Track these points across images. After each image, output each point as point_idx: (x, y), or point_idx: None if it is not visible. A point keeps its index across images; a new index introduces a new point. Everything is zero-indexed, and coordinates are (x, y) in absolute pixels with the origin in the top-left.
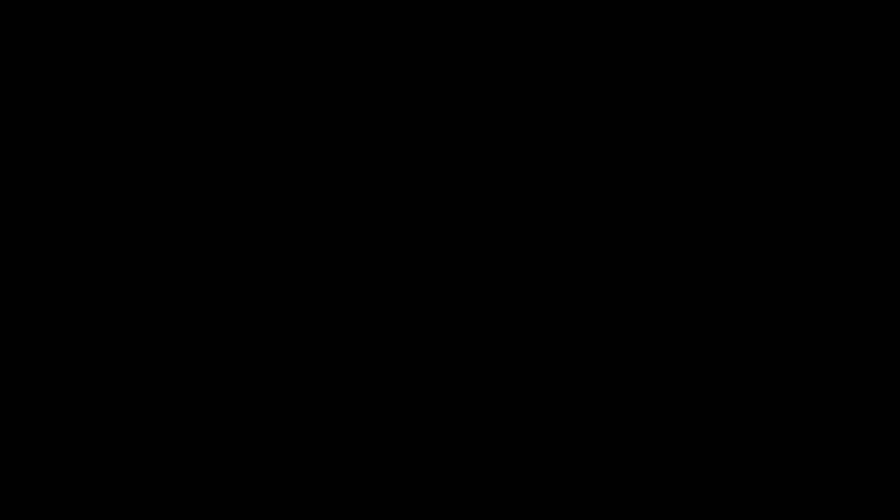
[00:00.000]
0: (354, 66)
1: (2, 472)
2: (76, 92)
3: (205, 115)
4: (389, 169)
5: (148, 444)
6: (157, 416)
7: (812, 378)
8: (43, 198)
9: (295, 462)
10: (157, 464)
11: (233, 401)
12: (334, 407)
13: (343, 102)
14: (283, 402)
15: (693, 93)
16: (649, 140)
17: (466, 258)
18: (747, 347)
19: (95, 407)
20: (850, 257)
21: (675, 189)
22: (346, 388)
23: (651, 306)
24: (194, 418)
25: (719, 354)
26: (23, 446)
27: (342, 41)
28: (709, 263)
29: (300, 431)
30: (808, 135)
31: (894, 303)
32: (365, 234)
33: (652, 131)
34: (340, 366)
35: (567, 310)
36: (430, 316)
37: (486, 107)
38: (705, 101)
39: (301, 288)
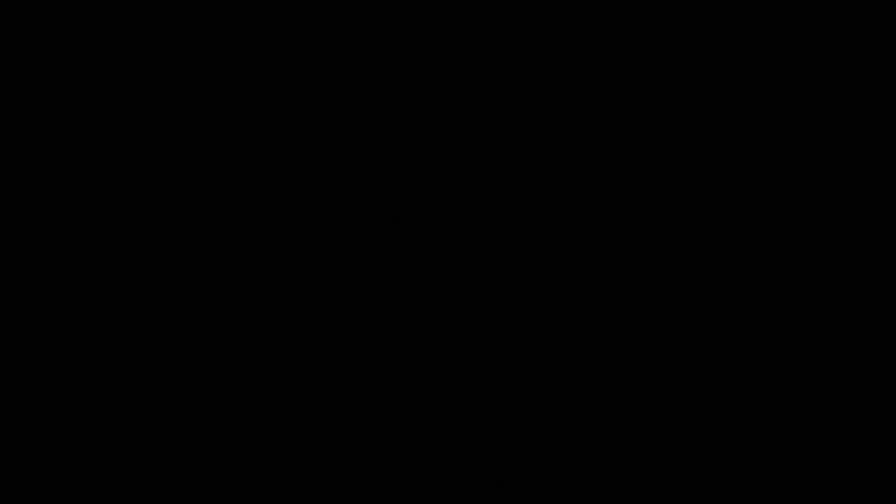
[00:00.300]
0: (354, 67)
1: (2, 472)
2: (76, 92)
3: (205, 115)
4: (389, 169)
5: (148, 444)
6: (158, 416)
7: (812, 378)
8: (43, 198)
9: (295, 462)
10: (157, 464)
11: (233, 401)
12: (334, 407)
13: (343, 102)
14: (283, 402)
15: (693, 93)
16: (649, 140)
17: (466, 258)
18: (747, 347)
19: (95, 407)
20: (851, 257)
21: (675, 189)
22: (347, 388)
23: (651, 306)
24: (194, 418)
25: (719, 354)
26: (23, 446)
27: (342, 41)
28: (709, 263)
29: (300, 431)
30: (808, 135)
31: (894, 303)
32: (365, 234)
33: (652, 131)
34: (340, 366)
35: (567, 310)
36: (430, 316)
37: (486, 107)
38: (705, 101)
39: (301, 288)
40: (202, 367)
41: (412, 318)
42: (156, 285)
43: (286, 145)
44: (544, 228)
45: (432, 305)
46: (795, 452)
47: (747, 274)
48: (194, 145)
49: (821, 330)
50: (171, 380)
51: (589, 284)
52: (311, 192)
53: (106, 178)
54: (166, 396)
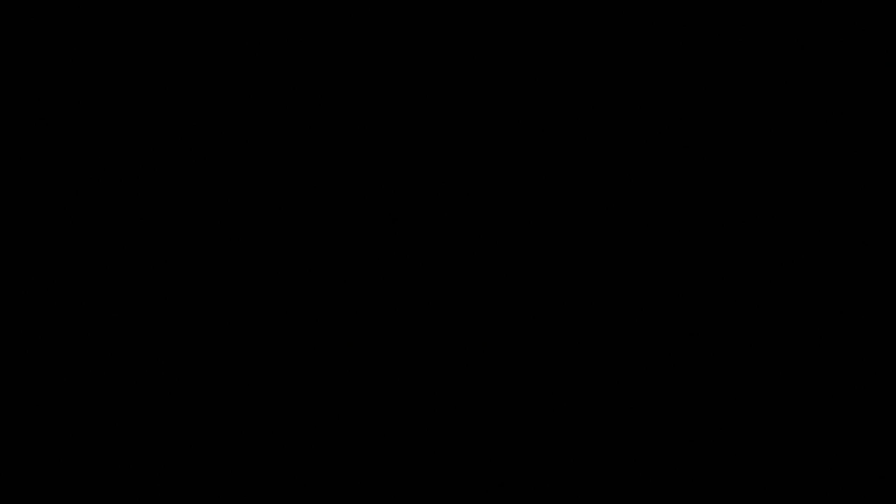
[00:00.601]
0: (354, 67)
1: (2, 472)
2: (76, 92)
3: (205, 115)
4: (389, 169)
5: (148, 444)
6: (158, 416)
7: (812, 378)
8: (43, 198)
9: (295, 462)
10: (158, 464)
11: (233, 401)
12: (334, 407)
13: (343, 102)
14: (283, 402)
15: (693, 93)
16: (649, 140)
17: (466, 258)
18: (747, 347)
19: (95, 407)
20: (851, 257)
21: (675, 189)
22: (347, 388)
23: (651, 306)
24: (194, 418)
25: (719, 354)
26: (23, 446)
27: (342, 41)
28: (709, 263)
29: (300, 431)
30: (808, 135)
31: (894, 303)
32: (365, 234)
33: (652, 131)
34: (340, 366)
35: (567, 310)
36: (430, 316)
37: (486, 107)
38: (705, 101)
39: (301, 288)
40: (202, 367)
41: (412, 318)
42: (156, 285)
43: (286, 145)
44: (544, 228)
45: (432, 305)
46: (795, 452)
47: (747, 274)
48: (194, 145)
49: (821, 330)
50: (171, 380)
51: (589, 284)
52: (312, 192)
53: (106, 178)
54: (166, 396)
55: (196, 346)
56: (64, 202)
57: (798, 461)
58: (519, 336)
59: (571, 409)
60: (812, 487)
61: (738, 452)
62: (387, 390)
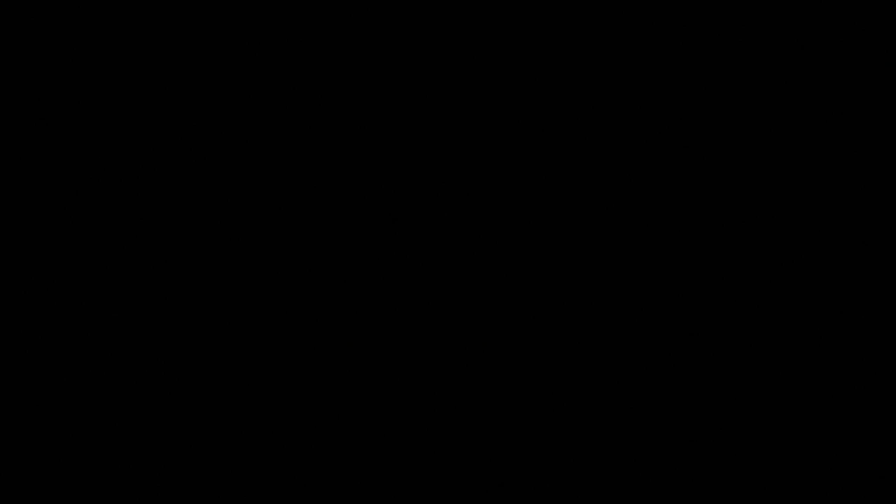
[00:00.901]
0: (354, 67)
1: (2, 472)
2: (76, 92)
3: (205, 115)
4: (389, 169)
5: (148, 444)
6: (158, 416)
7: (812, 378)
8: (43, 198)
9: (295, 462)
10: (158, 464)
11: (233, 401)
12: (334, 407)
13: (343, 102)
14: (283, 402)
15: (693, 93)
16: (649, 140)
17: (466, 258)
18: (747, 347)
19: (95, 407)
20: (851, 257)
21: (675, 189)
22: (347, 388)
23: (651, 306)
24: (194, 418)
25: (719, 354)
26: (23, 446)
27: (342, 41)
28: (709, 263)
29: (300, 431)
30: (808, 135)
31: (894, 303)
32: (365, 234)
33: (652, 131)
34: (340, 366)
35: (567, 310)
36: (430, 316)
37: (486, 107)
38: (705, 101)
39: (301, 288)
40: (202, 367)
41: (412, 318)
42: (156, 285)
43: (286, 145)
44: (544, 228)
45: (432, 305)
46: (795, 452)
47: (747, 274)
48: (194, 145)
49: (821, 330)
50: (171, 380)
51: (589, 284)
52: (312, 192)
53: (106, 178)
54: (166, 396)
55: (196, 346)
56: (64, 202)
57: (798, 461)
58: (519, 336)
59: (571, 409)
60: (812, 487)
61: (738, 452)
62: (387, 390)
